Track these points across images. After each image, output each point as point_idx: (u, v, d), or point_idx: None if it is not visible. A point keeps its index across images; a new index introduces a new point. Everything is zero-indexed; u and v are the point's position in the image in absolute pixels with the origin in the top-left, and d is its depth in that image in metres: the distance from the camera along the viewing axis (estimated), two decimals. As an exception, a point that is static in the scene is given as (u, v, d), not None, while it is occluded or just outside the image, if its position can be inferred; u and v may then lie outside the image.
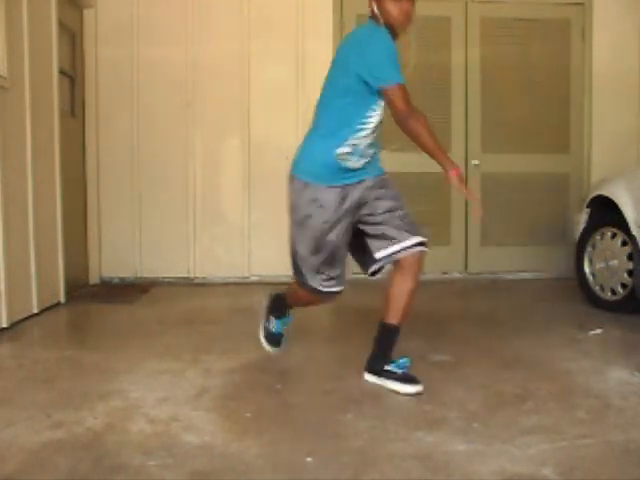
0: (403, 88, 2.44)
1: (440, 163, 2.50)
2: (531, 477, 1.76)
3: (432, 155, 2.49)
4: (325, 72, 2.62)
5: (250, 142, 5.24)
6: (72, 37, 4.90)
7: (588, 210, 4.29)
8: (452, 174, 2.47)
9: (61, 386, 2.55)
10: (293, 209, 2.64)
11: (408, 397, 2.42)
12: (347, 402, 2.36)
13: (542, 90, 5.45)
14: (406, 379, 2.50)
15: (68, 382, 2.61)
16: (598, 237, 4.16)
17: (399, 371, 2.52)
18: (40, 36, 4.03)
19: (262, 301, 2.95)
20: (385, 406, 2.33)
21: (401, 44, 2.55)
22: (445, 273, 5.46)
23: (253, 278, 5.28)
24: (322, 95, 2.62)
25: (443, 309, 4.35)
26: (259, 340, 2.88)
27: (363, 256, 2.64)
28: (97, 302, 4.43)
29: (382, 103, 2.53)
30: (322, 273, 2.60)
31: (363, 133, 2.53)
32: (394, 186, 2.67)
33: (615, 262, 4.01)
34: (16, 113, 3.68)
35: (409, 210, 2.63)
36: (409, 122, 2.43)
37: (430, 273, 5.43)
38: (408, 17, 2.50)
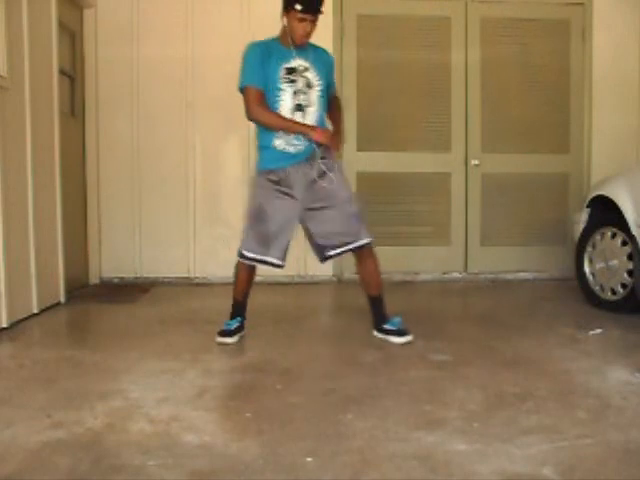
0: (246, 91, 3.04)
1: (301, 133, 3.02)
2: (531, 477, 1.76)
3: (289, 130, 3.03)
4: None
5: (250, 142, 5.21)
6: (72, 37, 4.89)
7: (588, 210, 4.29)
8: (316, 137, 2.99)
9: (61, 386, 2.55)
10: None
11: (408, 397, 2.42)
12: (347, 402, 2.36)
13: (542, 90, 5.45)
14: (401, 333, 3.22)
15: (68, 382, 2.61)
16: (598, 237, 4.16)
17: (394, 328, 3.24)
18: (40, 36, 4.03)
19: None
20: (385, 406, 2.33)
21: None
22: (445, 273, 5.46)
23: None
24: None
25: (443, 309, 4.35)
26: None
27: None
28: (97, 302, 4.43)
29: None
30: None
31: None
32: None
33: (615, 262, 4.01)
34: (16, 113, 3.68)
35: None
36: (253, 118, 3.07)
37: (430, 273, 5.45)
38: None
